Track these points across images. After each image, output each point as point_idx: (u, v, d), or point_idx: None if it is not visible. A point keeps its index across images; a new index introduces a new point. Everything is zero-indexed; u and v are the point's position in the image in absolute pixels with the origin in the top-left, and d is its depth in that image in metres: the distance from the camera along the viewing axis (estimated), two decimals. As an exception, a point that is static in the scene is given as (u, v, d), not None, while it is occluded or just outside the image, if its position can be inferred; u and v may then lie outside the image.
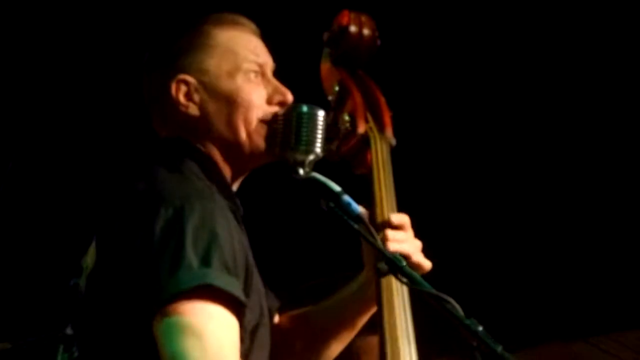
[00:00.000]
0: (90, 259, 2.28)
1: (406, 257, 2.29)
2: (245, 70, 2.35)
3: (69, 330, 2.30)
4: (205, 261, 2.05)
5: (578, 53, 4.52)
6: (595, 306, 4.77)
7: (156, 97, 2.38)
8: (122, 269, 2.11)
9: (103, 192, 2.38)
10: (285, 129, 2.32)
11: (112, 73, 4.41)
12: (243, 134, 2.32)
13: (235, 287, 2.08)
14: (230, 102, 2.33)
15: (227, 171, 2.35)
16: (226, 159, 2.34)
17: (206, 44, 2.36)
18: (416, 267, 2.34)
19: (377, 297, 2.34)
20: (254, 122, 2.33)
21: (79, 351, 2.25)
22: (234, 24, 2.40)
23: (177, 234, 2.07)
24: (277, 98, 2.37)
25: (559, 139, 4.72)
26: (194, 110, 2.33)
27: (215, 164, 2.32)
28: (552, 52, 4.52)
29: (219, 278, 2.05)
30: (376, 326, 2.39)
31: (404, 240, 2.35)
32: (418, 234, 2.41)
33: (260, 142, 2.33)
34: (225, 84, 2.34)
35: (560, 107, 4.67)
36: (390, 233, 2.34)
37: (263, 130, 2.34)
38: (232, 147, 2.33)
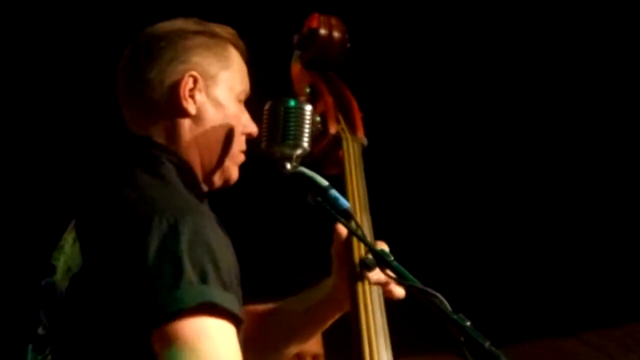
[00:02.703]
0: (64, 257, 2.25)
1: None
2: (241, 100, 2.38)
3: (40, 331, 2.27)
4: (204, 278, 2.05)
5: (567, 47, 4.52)
6: (585, 302, 4.77)
7: (152, 84, 2.33)
8: (113, 282, 2.09)
9: (81, 193, 2.35)
10: (272, 124, 2.33)
11: (84, 68, 4.37)
12: (220, 164, 2.34)
13: (233, 304, 2.08)
14: (224, 123, 2.33)
15: (200, 177, 2.34)
16: (200, 167, 2.34)
17: (224, 56, 2.37)
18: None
19: (352, 299, 2.30)
20: (235, 153, 2.36)
21: (52, 354, 2.22)
22: (242, 48, 2.42)
23: (173, 250, 2.06)
24: (247, 129, 2.39)
25: (538, 132, 4.71)
26: (191, 107, 2.32)
27: (192, 170, 2.32)
28: (529, 47, 4.52)
29: (218, 295, 2.05)
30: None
31: None
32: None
33: (233, 173, 2.36)
34: (227, 102, 2.35)
35: (546, 100, 4.65)
36: None
37: (238, 159, 2.36)
38: (206, 165, 2.34)
